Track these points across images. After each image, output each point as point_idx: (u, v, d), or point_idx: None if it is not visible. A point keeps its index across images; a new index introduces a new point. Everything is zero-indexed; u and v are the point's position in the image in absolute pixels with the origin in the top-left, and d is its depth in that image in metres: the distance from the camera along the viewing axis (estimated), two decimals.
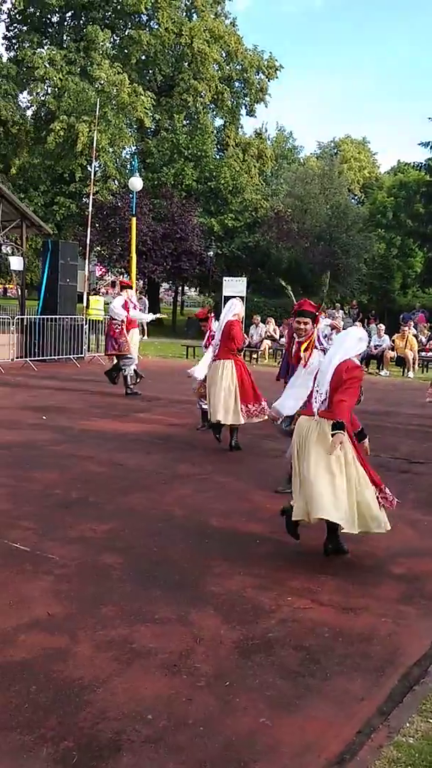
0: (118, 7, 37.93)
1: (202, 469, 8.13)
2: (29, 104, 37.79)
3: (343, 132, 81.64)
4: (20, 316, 18.74)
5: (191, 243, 30.81)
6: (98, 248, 31.22)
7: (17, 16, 38.79)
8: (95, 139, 25.96)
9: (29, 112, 38.40)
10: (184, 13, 39.59)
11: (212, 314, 10.63)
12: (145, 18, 38.90)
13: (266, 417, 9.00)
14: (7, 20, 39.46)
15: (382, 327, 22.77)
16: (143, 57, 38.12)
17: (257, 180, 39.62)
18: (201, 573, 5.01)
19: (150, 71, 38.97)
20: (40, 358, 18.06)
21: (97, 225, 28.63)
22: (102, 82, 33.93)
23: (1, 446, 8.67)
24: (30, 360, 17.70)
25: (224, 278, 28.22)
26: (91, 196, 23.80)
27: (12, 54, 38.62)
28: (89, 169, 30.47)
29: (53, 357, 18.43)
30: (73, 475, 7.51)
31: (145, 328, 16.00)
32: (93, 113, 27.79)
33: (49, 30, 40.09)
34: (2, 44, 40.22)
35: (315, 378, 5.47)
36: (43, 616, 4.22)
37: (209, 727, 3.23)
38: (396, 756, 3.09)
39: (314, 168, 40.42)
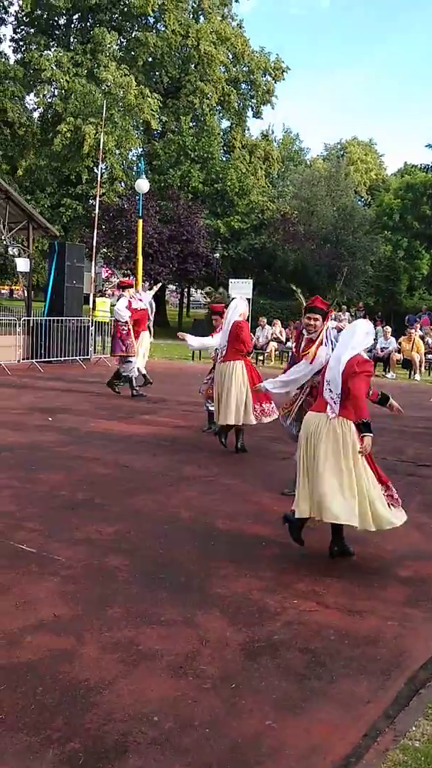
0: (125, 9, 38.03)
1: (209, 471, 8.13)
2: (36, 106, 37.92)
3: (349, 134, 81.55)
4: (26, 318, 18.77)
5: (197, 245, 30.86)
6: (105, 250, 31.29)
7: (24, 18, 38.92)
8: (102, 140, 25.97)
9: (36, 114, 38.55)
10: (191, 15, 39.66)
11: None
12: (152, 20, 38.98)
13: (275, 416, 9.04)
14: (14, 22, 39.65)
15: (389, 329, 22.77)
16: (150, 59, 38.18)
17: (264, 182, 39.65)
18: (207, 575, 5.01)
19: (157, 73, 39.03)
20: (47, 359, 18.10)
21: (103, 227, 28.70)
22: (109, 84, 34.00)
23: (7, 447, 8.69)
24: (36, 361, 17.74)
25: (230, 280, 28.24)
26: (97, 198, 23.84)
27: (19, 56, 38.78)
28: (96, 171, 30.61)
29: (59, 358, 18.46)
30: (79, 476, 7.51)
31: (151, 328, 15.96)
32: (100, 115, 27.86)
33: (56, 32, 40.21)
34: (9, 46, 40.41)
35: (324, 376, 5.42)
36: (49, 618, 4.23)
37: (215, 729, 3.23)
38: (402, 759, 3.08)
39: (321, 170, 40.46)
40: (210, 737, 3.17)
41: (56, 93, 36.37)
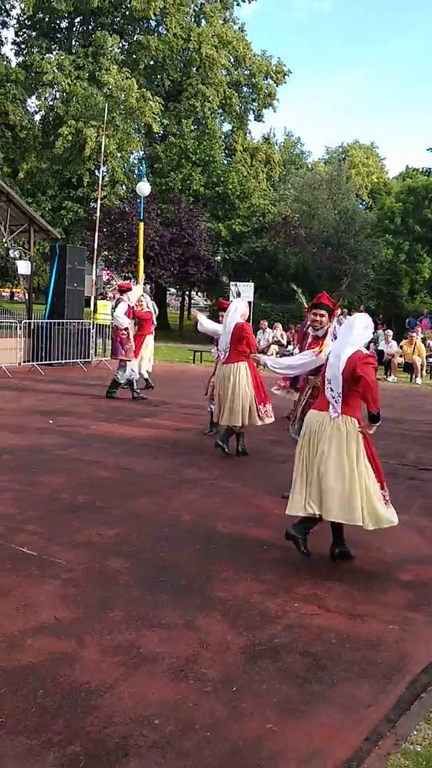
0: (127, 12, 38.10)
1: (209, 474, 8.12)
2: (38, 109, 37.97)
3: (351, 137, 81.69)
4: (27, 320, 18.77)
5: (199, 248, 30.87)
6: (106, 253, 31.30)
7: (26, 21, 38.97)
8: (103, 144, 26.02)
9: (37, 117, 38.61)
10: (193, 19, 39.74)
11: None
12: (153, 23, 39.05)
13: (273, 419, 9.06)
14: (16, 25, 39.69)
15: (390, 333, 22.76)
16: (151, 62, 38.24)
17: (265, 185, 39.70)
18: (208, 578, 5.01)
19: (158, 76, 39.09)
20: (47, 362, 18.10)
21: (104, 230, 28.71)
22: (110, 87, 34.02)
23: (7, 450, 8.69)
24: (37, 364, 17.74)
25: (231, 283, 28.25)
26: (98, 201, 23.85)
27: (21, 59, 38.83)
28: (97, 173, 30.65)
29: (60, 361, 18.47)
30: (80, 479, 7.51)
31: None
32: (101, 118, 27.90)
33: (58, 35, 40.28)
34: (11, 49, 40.31)
35: (324, 374, 5.39)
36: (50, 621, 4.22)
37: (216, 733, 3.23)
38: (403, 763, 3.08)
39: (322, 173, 40.47)
40: (211, 740, 3.17)
41: (58, 96, 36.40)
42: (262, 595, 4.77)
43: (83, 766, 2.96)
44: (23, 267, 19.87)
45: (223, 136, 39.89)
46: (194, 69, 38.58)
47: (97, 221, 22.91)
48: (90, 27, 39.37)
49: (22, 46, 39.49)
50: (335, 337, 6.49)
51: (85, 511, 6.44)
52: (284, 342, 22.63)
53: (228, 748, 3.12)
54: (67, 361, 18.68)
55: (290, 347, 18.77)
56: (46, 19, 38.66)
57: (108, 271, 39.11)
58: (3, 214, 19.22)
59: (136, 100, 34.05)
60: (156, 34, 38.44)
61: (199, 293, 48.50)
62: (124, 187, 36.08)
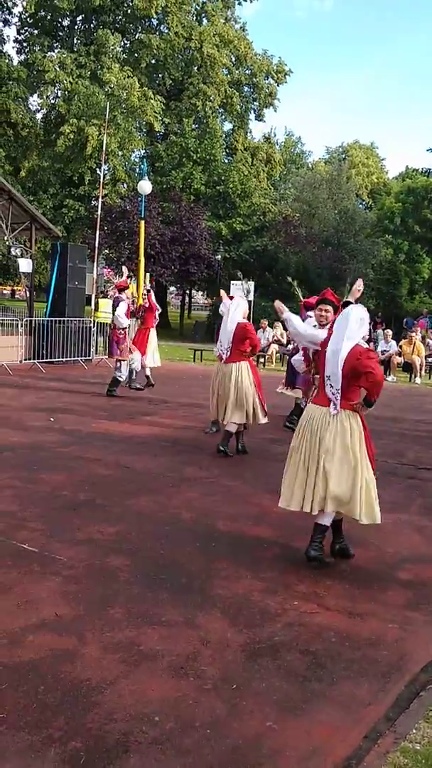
0: (129, 11, 38.13)
1: (209, 472, 8.13)
2: (39, 107, 38.02)
3: (351, 137, 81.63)
4: (28, 318, 18.78)
5: (199, 246, 30.88)
6: (107, 251, 31.31)
7: (28, 19, 38.98)
8: (105, 142, 26.03)
9: (39, 115, 38.65)
10: (194, 18, 39.77)
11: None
12: (155, 22, 39.09)
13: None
14: (18, 24, 39.71)
15: (389, 332, 22.78)
16: (153, 61, 38.27)
17: (265, 184, 39.72)
18: (208, 576, 5.02)
19: (160, 75, 39.12)
20: (48, 360, 18.11)
21: (105, 228, 28.72)
22: (112, 85, 34.05)
23: (8, 448, 8.70)
24: (38, 362, 17.75)
25: (232, 282, 28.25)
26: (100, 199, 23.85)
27: (23, 57, 38.86)
28: (98, 172, 30.63)
29: (61, 359, 18.47)
30: (81, 477, 7.52)
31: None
32: (103, 117, 27.89)
33: (60, 34, 40.30)
34: (13, 47, 40.54)
35: (324, 369, 5.33)
36: (51, 617, 4.23)
37: (216, 730, 3.24)
38: (402, 762, 3.09)
39: (322, 173, 40.51)
40: (211, 738, 3.18)
41: (59, 94, 36.45)
42: (262, 593, 4.78)
43: (84, 762, 2.97)
44: (24, 265, 19.87)
45: (224, 136, 39.92)
46: (195, 68, 38.61)
47: (98, 219, 22.91)
48: (92, 25, 39.42)
49: (24, 44, 39.52)
50: None
51: (86, 508, 6.45)
52: (284, 341, 22.64)
53: (228, 745, 3.14)
54: (68, 359, 18.68)
55: (290, 346, 18.76)
56: (48, 17, 38.67)
57: (109, 270, 39.14)
58: (4, 212, 19.22)
59: (138, 99, 34.06)
60: (158, 33, 38.47)
61: (200, 292, 48.52)
62: (125, 185, 36.11)
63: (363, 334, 5.42)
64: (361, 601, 4.76)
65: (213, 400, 9.17)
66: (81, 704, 3.37)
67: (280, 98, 42.17)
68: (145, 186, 21.98)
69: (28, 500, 6.59)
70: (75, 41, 39.32)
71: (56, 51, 37.84)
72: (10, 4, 38.64)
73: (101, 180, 24.62)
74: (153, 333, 14.78)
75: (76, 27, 40.61)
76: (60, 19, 39.71)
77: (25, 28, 39.69)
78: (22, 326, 17.98)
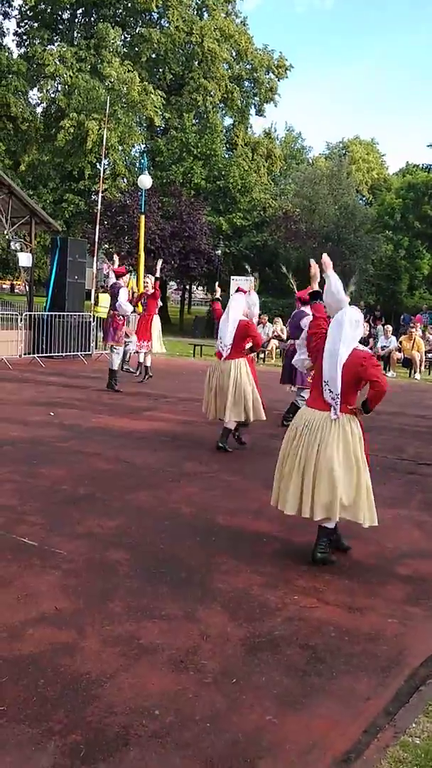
0: (129, 4, 38.05)
1: (209, 467, 8.14)
2: (39, 101, 37.93)
3: (351, 133, 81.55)
4: (28, 313, 18.75)
5: (199, 241, 30.82)
6: (106, 246, 31.27)
7: (28, 12, 38.86)
8: (105, 136, 25.97)
9: (39, 109, 38.54)
10: (195, 12, 39.64)
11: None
12: (155, 16, 38.99)
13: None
14: (18, 16, 39.60)
15: (389, 328, 22.78)
16: (153, 55, 38.16)
17: (266, 179, 39.63)
18: (208, 570, 5.02)
19: (160, 70, 39.00)
20: (48, 354, 18.09)
21: (105, 222, 28.67)
22: (112, 80, 33.96)
23: (8, 442, 8.70)
24: (38, 356, 17.73)
25: (232, 277, 28.23)
26: (100, 194, 23.82)
27: (23, 50, 38.74)
28: (98, 166, 30.57)
29: (61, 354, 18.45)
30: (81, 471, 7.52)
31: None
32: (103, 111, 27.81)
33: (60, 27, 40.18)
34: (13, 40, 40.49)
35: (322, 373, 5.29)
36: (51, 611, 4.24)
37: (216, 724, 3.24)
38: (402, 756, 3.10)
39: (323, 168, 40.39)
40: (210, 731, 3.19)
41: (59, 88, 36.34)
42: (262, 588, 4.79)
43: (84, 755, 2.97)
44: (24, 259, 19.84)
45: (224, 130, 39.82)
46: (196, 63, 38.50)
47: (98, 214, 22.88)
48: (92, 19, 39.31)
49: (24, 38, 39.41)
50: None
51: (86, 502, 6.46)
52: (284, 337, 22.63)
53: (228, 739, 3.14)
54: (68, 353, 18.66)
55: (289, 342, 18.76)
56: (48, 11, 38.56)
57: (108, 264, 39.07)
58: (4, 206, 19.18)
59: (138, 94, 33.98)
60: (158, 27, 38.36)
61: (200, 287, 48.48)
62: (125, 180, 36.03)
63: (359, 336, 5.34)
64: (361, 596, 4.77)
65: (209, 398, 9.08)
66: (81, 697, 3.37)
67: (280, 93, 42.21)
68: (145, 181, 21.95)
69: (28, 494, 6.59)
70: (75, 35, 39.22)
71: (56, 44, 37.72)
72: None
73: (101, 174, 24.58)
74: (156, 319, 14.86)
75: (76, 20, 40.50)
76: (60, 13, 39.60)
77: (25, 21, 39.58)
78: (21, 321, 17.95)
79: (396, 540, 5.99)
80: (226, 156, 38.85)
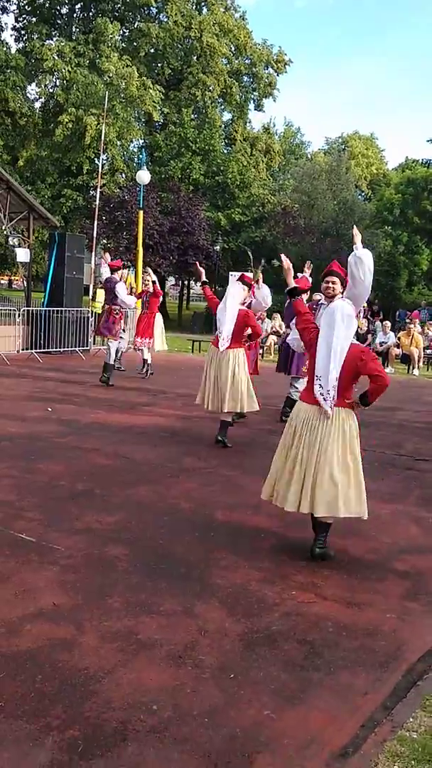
0: None
1: (208, 463, 8.14)
2: (38, 96, 37.78)
3: (351, 128, 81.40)
4: (26, 308, 18.75)
5: (198, 237, 30.80)
6: (105, 241, 31.23)
7: (26, 7, 38.80)
8: (103, 132, 25.91)
9: (37, 104, 38.42)
10: (194, 7, 39.55)
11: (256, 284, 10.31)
12: (154, 10, 38.89)
13: None
14: (16, 11, 39.50)
15: (388, 324, 22.77)
16: (152, 50, 38.08)
17: (264, 175, 39.60)
18: (206, 566, 5.03)
19: (159, 64, 38.93)
20: (46, 350, 18.09)
21: (104, 218, 28.63)
22: (111, 74, 33.88)
23: (6, 438, 8.69)
24: (35, 352, 17.72)
25: (231, 273, 28.22)
26: (98, 189, 23.79)
27: (21, 45, 38.64)
28: (97, 162, 30.54)
29: (59, 349, 18.45)
30: (79, 467, 7.52)
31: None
32: (101, 106, 27.78)
33: (58, 21, 40.09)
34: (11, 35, 40.37)
35: (314, 368, 5.23)
36: (49, 607, 4.24)
37: (214, 719, 3.25)
38: (399, 750, 3.11)
39: (321, 164, 40.35)
40: (209, 726, 3.19)
41: (58, 83, 36.25)
42: (260, 583, 4.79)
43: (82, 750, 2.98)
44: (22, 254, 19.82)
45: (223, 126, 39.79)
46: (195, 57, 38.43)
47: (96, 209, 22.85)
48: (90, 13, 39.22)
49: (22, 32, 39.32)
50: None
51: (84, 498, 6.46)
52: (282, 332, 22.63)
53: (226, 734, 3.15)
54: (66, 349, 18.66)
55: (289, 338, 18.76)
56: (47, 5, 38.50)
57: (104, 257, 38.99)
58: (2, 201, 19.16)
59: (137, 89, 33.92)
60: (157, 22, 38.28)
61: (199, 283, 48.41)
62: (123, 175, 36.00)
63: (353, 332, 5.32)
64: (359, 591, 4.77)
65: (206, 387, 8.97)
66: (79, 693, 3.38)
67: (279, 88, 42.06)
68: (144, 176, 21.93)
69: (26, 490, 6.59)
70: (74, 29, 39.13)
71: (55, 39, 37.65)
72: None
73: (99, 170, 24.55)
74: (159, 317, 14.88)
75: (74, 15, 40.41)
76: (58, 7, 39.52)
77: (24, 16, 39.49)
78: (19, 316, 17.94)
79: (394, 535, 5.99)
80: (225, 151, 38.84)
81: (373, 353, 5.43)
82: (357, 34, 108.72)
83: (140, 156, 33.07)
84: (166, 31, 36.96)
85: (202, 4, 39.90)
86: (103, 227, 28.63)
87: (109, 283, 13.80)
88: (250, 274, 10.46)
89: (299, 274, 10.45)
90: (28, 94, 37.64)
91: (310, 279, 10.69)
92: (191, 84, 37.96)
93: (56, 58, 34.72)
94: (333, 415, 5.12)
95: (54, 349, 18.30)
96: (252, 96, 42.25)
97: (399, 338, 21.80)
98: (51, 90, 36.54)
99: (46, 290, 19.80)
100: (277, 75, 41.60)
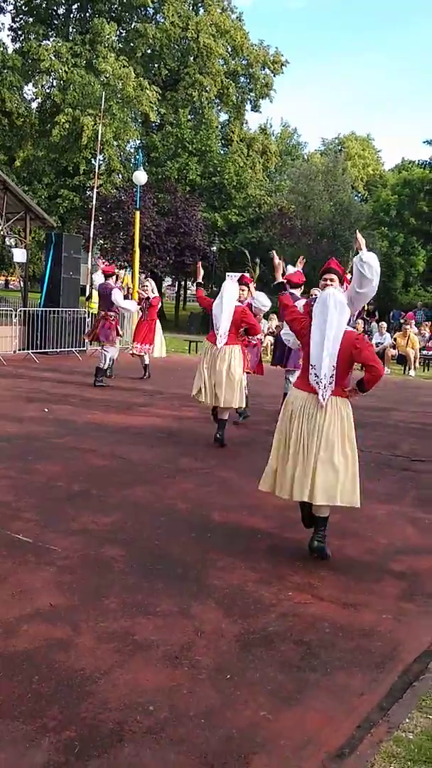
0: (125, 0, 37.90)
1: (205, 463, 8.14)
2: (34, 96, 37.82)
3: (347, 129, 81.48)
4: (23, 308, 18.72)
5: (195, 238, 30.82)
6: (101, 241, 31.23)
7: (23, 7, 38.81)
8: (100, 132, 25.90)
9: (34, 105, 38.44)
10: (191, 7, 39.59)
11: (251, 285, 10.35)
12: (151, 11, 38.93)
13: None
14: (13, 11, 39.50)
15: (384, 325, 22.80)
16: (149, 51, 38.12)
17: (261, 176, 39.64)
18: (203, 566, 5.03)
19: (155, 65, 38.96)
20: (42, 350, 18.06)
21: (100, 218, 28.63)
22: (107, 75, 33.91)
23: (3, 438, 8.68)
24: (32, 352, 17.70)
25: (228, 273, 28.21)
26: (94, 190, 23.80)
27: (18, 45, 38.63)
28: (93, 162, 30.54)
29: (55, 350, 18.43)
30: (76, 467, 7.52)
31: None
32: (98, 106, 27.78)
33: (55, 22, 40.09)
34: (8, 35, 40.45)
35: (309, 357, 5.22)
36: (46, 607, 4.24)
37: (210, 720, 3.25)
38: (396, 751, 3.11)
39: (318, 165, 40.40)
40: (205, 727, 3.19)
41: (55, 83, 36.26)
42: (257, 584, 4.79)
43: (78, 751, 2.97)
44: (19, 255, 19.82)
45: (219, 126, 39.83)
46: (192, 58, 38.48)
47: (93, 210, 22.84)
48: (87, 14, 39.25)
49: (19, 33, 39.31)
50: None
51: (81, 499, 6.45)
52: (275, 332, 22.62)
53: (222, 735, 3.15)
54: (62, 349, 18.64)
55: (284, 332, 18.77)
56: (44, 5, 38.52)
57: (103, 260, 39.01)
58: None
59: (133, 89, 33.95)
60: (154, 22, 38.30)
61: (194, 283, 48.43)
62: (120, 176, 35.98)
63: (346, 319, 5.26)
64: (355, 592, 4.78)
65: (200, 383, 8.90)
66: (75, 694, 3.38)
67: (276, 89, 42.14)
68: (140, 176, 21.92)
69: (23, 491, 6.58)
70: (70, 30, 39.14)
71: (51, 39, 37.65)
72: None
73: (96, 170, 24.58)
74: (158, 324, 14.87)
75: (71, 15, 40.42)
76: (55, 7, 39.54)
77: (20, 16, 39.49)
78: (16, 316, 17.92)
79: (390, 536, 6.00)
80: (222, 152, 38.87)
81: (368, 341, 5.40)
82: (353, 36, 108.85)
83: (137, 156, 32.99)
84: (163, 31, 36.99)
85: (199, 4, 39.95)
86: (99, 228, 28.64)
87: (104, 289, 13.75)
88: (248, 274, 10.49)
89: (293, 268, 10.54)
90: (24, 95, 37.71)
91: (304, 278, 10.79)
92: (188, 84, 37.99)
93: (53, 58, 34.74)
94: (331, 403, 5.10)
95: (51, 350, 18.28)
96: (248, 97, 42.31)
97: (395, 339, 21.83)
98: (48, 90, 36.54)
99: (42, 290, 19.77)
100: (274, 76, 41.68)
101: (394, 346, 21.64)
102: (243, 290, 10.01)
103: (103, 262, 33.56)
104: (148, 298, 14.73)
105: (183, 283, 43.00)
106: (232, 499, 6.79)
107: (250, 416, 10.64)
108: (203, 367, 8.93)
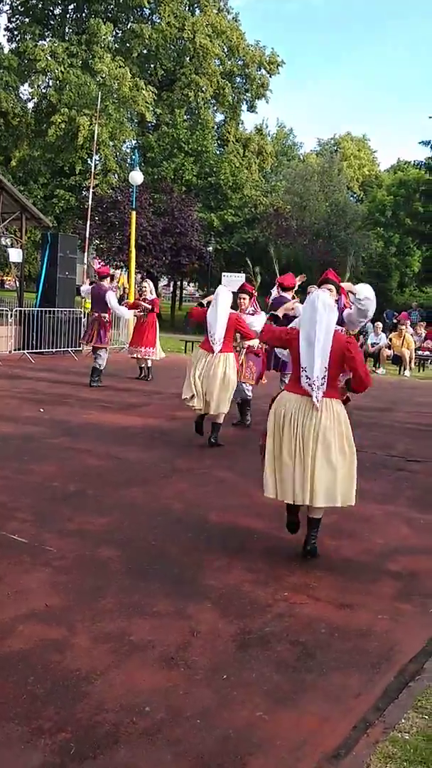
0: (121, 0, 37.87)
1: (201, 463, 8.14)
2: (30, 96, 37.71)
3: (343, 129, 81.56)
4: (18, 308, 18.69)
5: (191, 238, 30.78)
6: (97, 242, 31.18)
7: (19, 7, 38.74)
8: (96, 132, 25.90)
9: (30, 105, 38.35)
10: (187, 8, 39.56)
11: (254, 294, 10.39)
12: (147, 12, 38.91)
13: None
14: (9, 11, 39.43)
15: (380, 325, 22.80)
16: (145, 51, 38.09)
17: (257, 176, 39.63)
18: (199, 567, 5.02)
19: (151, 65, 38.94)
20: (38, 350, 18.04)
21: (96, 218, 28.60)
22: (103, 75, 33.88)
23: None
24: (27, 352, 17.67)
25: (223, 274, 28.21)
26: (90, 190, 23.75)
27: (14, 45, 38.56)
28: (89, 162, 30.49)
29: (51, 350, 18.41)
30: (71, 468, 7.51)
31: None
32: (94, 106, 27.74)
33: (51, 22, 40.06)
34: (4, 35, 40.79)
35: (299, 360, 5.19)
36: (41, 608, 4.23)
37: (206, 720, 3.24)
38: (392, 751, 3.11)
39: (314, 165, 40.44)
40: (201, 728, 3.18)
41: (51, 84, 36.22)
42: (253, 584, 4.79)
43: (74, 752, 2.96)
44: (15, 255, 19.79)
45: (215, 127, 39.81)
46: (188, 58, 38.46)
47: (88, 210, 22.82)
48: (84, 14, 39.20)
49: (15, 33, 39.26)
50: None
51: (77, 499, 6.44)
52: None
53: (218, 735, 3.14)
54: (58, 349, 18.62)
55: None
56: (40, 6, 38.47)
57: (99, 260, 38.99)
58: None
59: (129, 89, 33.92)
60: (150, 23, 38.29)
61: (191, 284, 48.45)
62: (116, 176, 35.93)
63: (335, 320, 5.25)
64: (351, 593, 4.77)
65: (192, 389, 8.79)
66: (71, 695, 3.37)
67: (272, 89, 42.16)
68: (136, 176, 21.90)
69: (19, 491, 6.57)
70: (67, 30, 39.08)
71: (48, 40, 37.61)
72: None
73: (92, 170, 24.53)
74: (156, 326, 14.89)
75: (67, 16, 40.37)
76: (51, 7, 39.50)
77: (17, 16, 39.42)
78: (11, 316, 17.89)
79: (386, 536, 6.00)
80: (218, 152, 38.85)
81: (358, 347, 5.39)
82: (350, 37, 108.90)
83: (133, 157, 32.98)
84: (159, 32, 36.98)
85: (195, 5, 39.93)
86: (95, 228, 28.58)
87: (98, 291, 13.70)
88: (238, 284, 10.54)
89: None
90: (20, 95, 37.61)
91: (295, 281, 11.05)
92: (184, 85, 37.97)
93: (49, 58, 34.70)
94: (325, 405, 5.09)
95: (46, 350, 18.26)
96: (244, 97, 42.30)
97: (390, 339, 21.84)
98: (44, 90, 36.50)
99: (38, 290, 19.74)
100: (270, 76, 41.67)
101: (389, 347, 21.65)
102: (244, 299, 10.05)
103: (99, 263, 33.57)
104: (151, 301, 14.72)
105: (179, 283, 42.99)
106: (228, 499, 6.79)
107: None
108: (194, 375, 8.79)
